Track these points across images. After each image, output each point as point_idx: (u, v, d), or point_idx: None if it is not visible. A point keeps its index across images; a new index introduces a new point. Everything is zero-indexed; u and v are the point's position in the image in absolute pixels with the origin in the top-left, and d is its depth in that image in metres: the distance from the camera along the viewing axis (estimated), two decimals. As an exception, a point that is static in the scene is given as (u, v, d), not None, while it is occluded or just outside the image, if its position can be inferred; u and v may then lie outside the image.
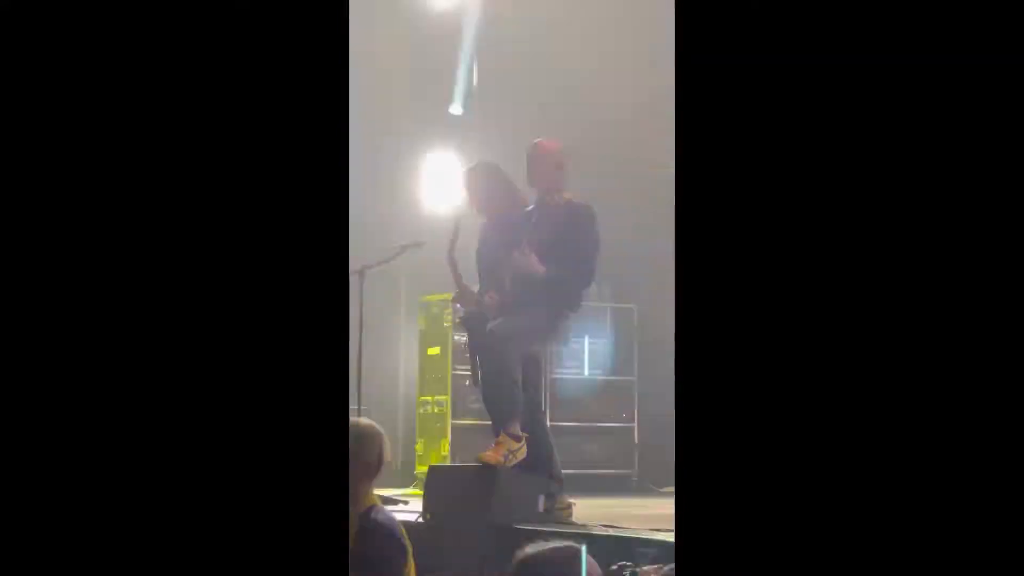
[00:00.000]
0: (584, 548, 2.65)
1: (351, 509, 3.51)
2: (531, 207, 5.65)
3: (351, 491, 3.50)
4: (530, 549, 2.65)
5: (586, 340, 8.22)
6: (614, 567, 3.16)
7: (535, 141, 5.67)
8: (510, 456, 5.23)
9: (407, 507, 6.11)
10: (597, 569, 2.67)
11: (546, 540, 2.69)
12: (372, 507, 3.65)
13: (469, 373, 6.78)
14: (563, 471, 5.57)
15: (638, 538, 4.31)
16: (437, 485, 5.43)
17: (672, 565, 2.92)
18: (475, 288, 5.87)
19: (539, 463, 5.39)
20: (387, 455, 3.62)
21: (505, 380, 5.30)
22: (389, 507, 6.08)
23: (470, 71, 8.96)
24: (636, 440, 8.38)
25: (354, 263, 6.28)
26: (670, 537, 4.14)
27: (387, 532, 3.51)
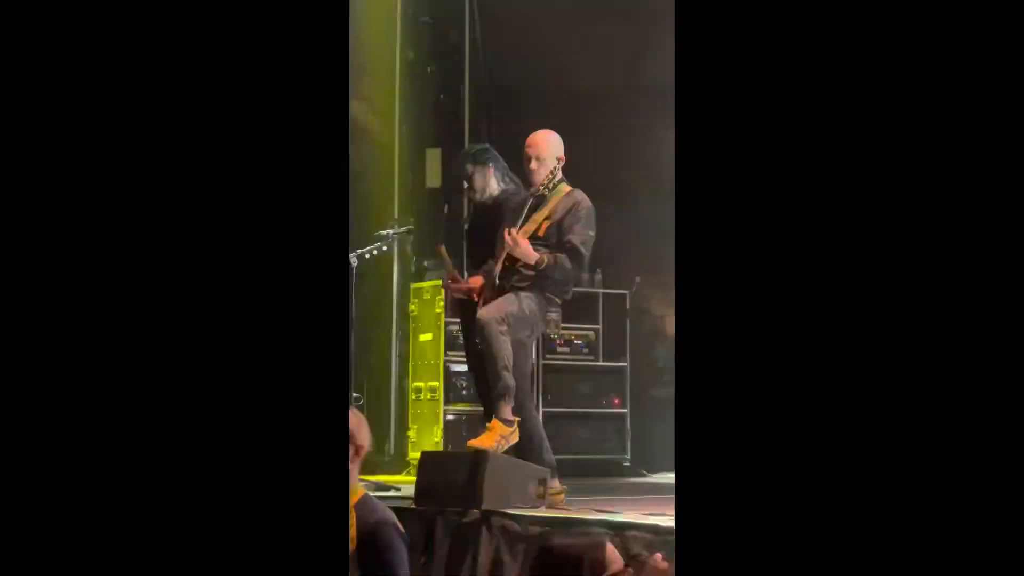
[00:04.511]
0: (607, 538, 2.66)
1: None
2: (526, 194, 5.67)
3: None
4: (557, 539, 2.65)
5: (578, 326, 8.22)
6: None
7: (535, 130, 5.69)
8: (502, 441, 5.23)
9: (399, 493, 6.12)
10: (619, 558, 2.67)
11: (573, 529, 2.69)
12: (364, 498, 3.64)
13: (461, 359, 6.80)
14: (555, 457, 5.58)
15: (631, 523, 4.31)
16: (429, 471, 5.43)
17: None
18: (466, 274, 5.88)
19: (531, 448, 5.39)
20: (367, 441, 3.59)
21: (496, 365, 5.30)
22: (380, 493, 6.09)
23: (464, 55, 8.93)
24: (628, 426, 8.38)
25: (346, 250, 6.27)
26: (662, 522, 4.15)
27: (393, 526, 3.51)
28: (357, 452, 3.53)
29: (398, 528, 3.48)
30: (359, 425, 3.53)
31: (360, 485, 3.64)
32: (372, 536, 3.39)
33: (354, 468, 3.57)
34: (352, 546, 3.34)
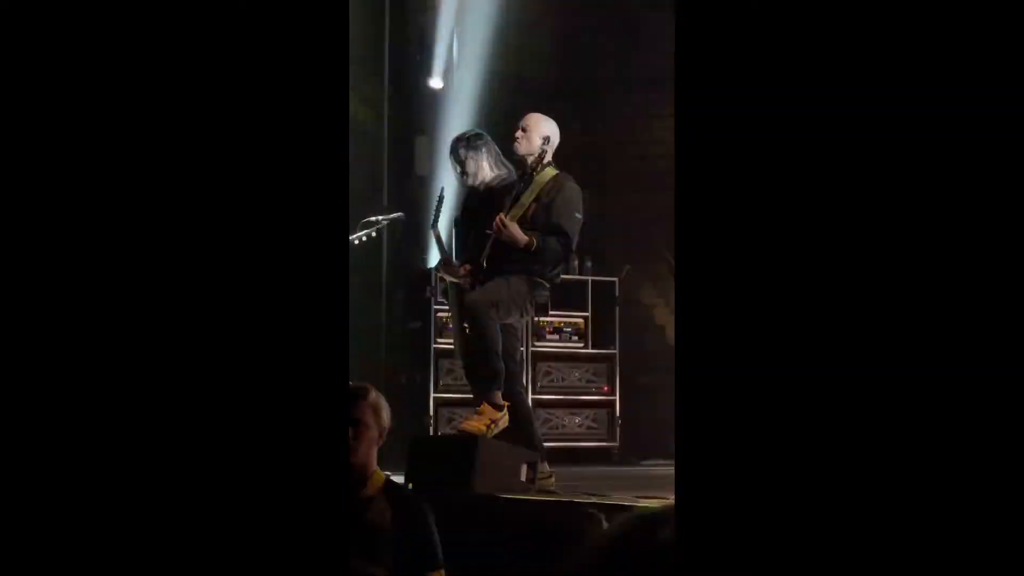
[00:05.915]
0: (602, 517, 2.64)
1: (361, 478, 3.57)
2: (515, 179, 5.67)
3: (366, 460, 3.55)
4: (552, 517, 2.65)
5: (567, 313, 8.22)
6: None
7: (525, 114, 5.70)
8: (492, 426, 5.23)
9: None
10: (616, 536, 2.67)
11: (566, 508, 2.67)
12: (388, 480, 3.69)
13: (450, 345, 6.79)
14: (545, 444, 5.59)
15: (622, 504, 4.31)
16: (419, 455, 5.42)
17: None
18: (456, 259, 5.89)
19: (521, 432, 5.39)
20: (389, 422, 3.66)
21: (486, 350, 5.30)
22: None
23: (452, 43, 8.94)
24: (618, 413, 8.38)
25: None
26: (653, 504, 4.15)
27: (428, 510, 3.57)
28: (381, 435, 3.59)
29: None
30: (383, 408, 3.57)
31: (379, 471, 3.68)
32: (414, 514, 3.46)
33: (373, 453, 3.60)
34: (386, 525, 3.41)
